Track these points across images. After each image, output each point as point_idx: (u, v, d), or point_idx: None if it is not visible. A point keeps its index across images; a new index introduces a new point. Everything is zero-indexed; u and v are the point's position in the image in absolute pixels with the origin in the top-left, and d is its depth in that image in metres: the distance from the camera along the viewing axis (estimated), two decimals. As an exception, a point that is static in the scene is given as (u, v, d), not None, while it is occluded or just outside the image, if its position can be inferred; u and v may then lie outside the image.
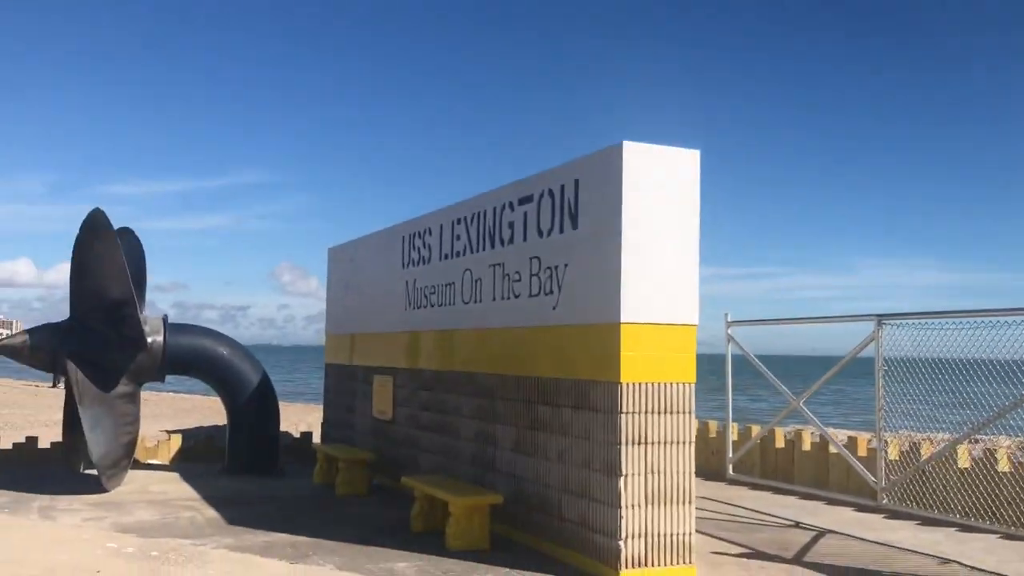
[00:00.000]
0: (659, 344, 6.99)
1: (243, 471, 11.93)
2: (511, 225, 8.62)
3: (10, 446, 12.70)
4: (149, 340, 11.25)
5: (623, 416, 6.84)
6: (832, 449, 10.50)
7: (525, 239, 8.34)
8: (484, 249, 9.16)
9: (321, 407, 23.46)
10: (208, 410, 24.30)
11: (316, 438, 14.62)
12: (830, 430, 11.64)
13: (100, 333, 11.03)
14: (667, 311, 7.03)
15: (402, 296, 11.23)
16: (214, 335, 12.14)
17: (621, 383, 6.84)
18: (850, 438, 10.98)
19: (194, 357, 11.82)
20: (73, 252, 10.78)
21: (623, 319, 6.85)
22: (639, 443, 6.90)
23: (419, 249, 10.84)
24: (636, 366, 6.90)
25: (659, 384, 7.00)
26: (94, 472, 10.74)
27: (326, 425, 14.27)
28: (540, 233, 8.08)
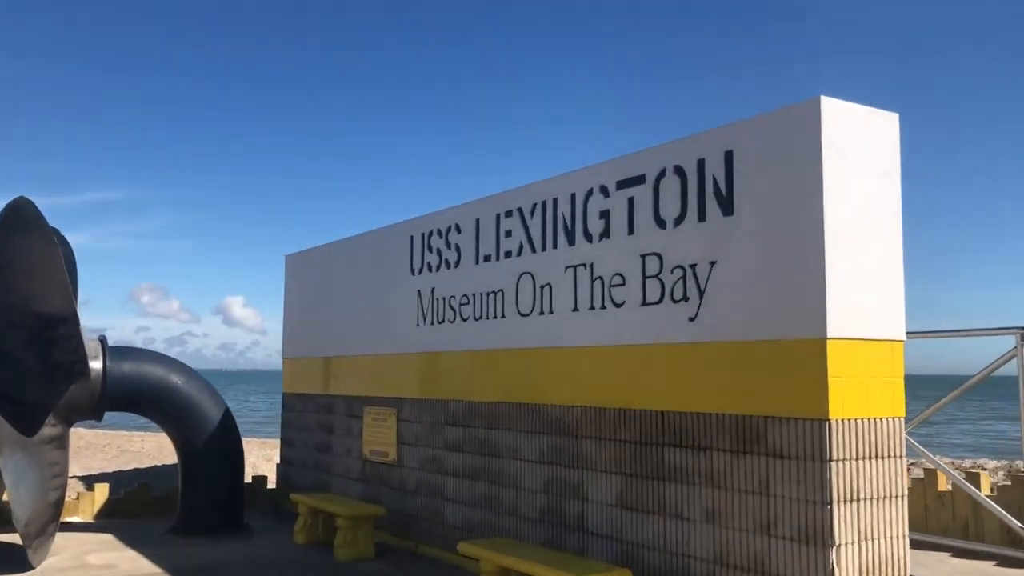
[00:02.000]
0: (866, 366, 5.25)
1: (201, 531, 9.49)
2: (605, 215, 6.73)
3: None
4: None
5: (833, 465, 5.05)
6: (946, 485, 8.81)
7: (632, 232, 6.47)
8: (555, 247, 7.23)
9: (258, 443, 20.83)
10: (131, 448, 21.04)
11: (271, 482, 12.26)
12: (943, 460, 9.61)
13: (19, 359, 8.46)
14: (874, 322, 5.30)
15: (412, 309, 9.14)
16: (165, 361, 9.68)
17: (830, 419, 5.05)
18: (970, 472, 9.34)
19: (141, 389, 9.33)
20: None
21: (830, 333, 5.07)
22: (851, 500, 5.11)
23: (439, 251, 8.79)
24: (845, 396, 5.12)
25: (868, 420, 5.25)
26: (12, 539, 8.17)
27: (284, 467, 11.91)
28: (660, 223, 6.23)
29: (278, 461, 12.36)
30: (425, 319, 8.92)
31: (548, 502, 7.14)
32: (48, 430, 8.60)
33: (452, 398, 8.45)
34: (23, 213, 8.02)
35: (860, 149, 5.32)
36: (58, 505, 8.62)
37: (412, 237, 9.27)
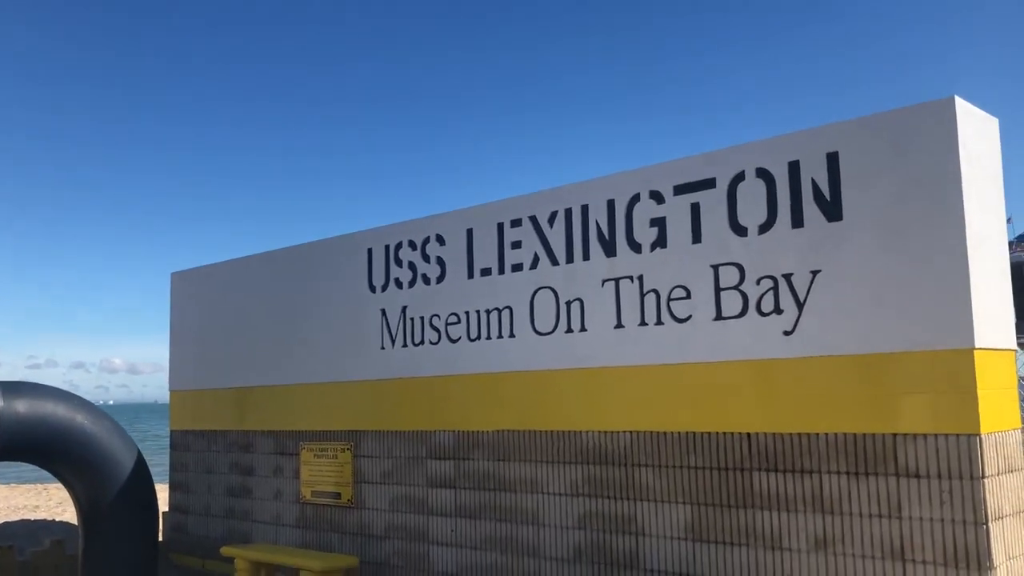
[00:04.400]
0: (998, 377, 5.05)
1: (108, 599, 7.90)
2: (658, 223, 6.21)
3: None
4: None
5: (985, 482, 4.78)
6: None
7: (698, 240, 5.99)
8: (586, 259, 6.61)
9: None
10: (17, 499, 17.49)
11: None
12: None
13: None
14: (1001, 331, 5.13)
15: (373, 330, 8.14)
16: (67, 397, 7.96)
17: (980, 434, 4.78)
18: None
19: (40, 433, 7.59)
20: None
21: (978, 343, 4.82)
22: (998, 518, 4.87)
23: (412, 264, 7.89)
24: (990, 409, 4.90)
25: (1003, 433, 5.05)
26: None
27: (175, 515, 10.32)
28: (739, 231, 5.79)
29: (164, 509, 10.70)
30: (394, 341, 7.96)
31: (586, 538, 6.45)
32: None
33: (437, 428, 7.55)
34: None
35: (980, 153, 5.17)
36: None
37: (370, 250, 8.28)
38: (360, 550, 8.03)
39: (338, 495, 8.34)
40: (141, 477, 8.26)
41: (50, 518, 13.66)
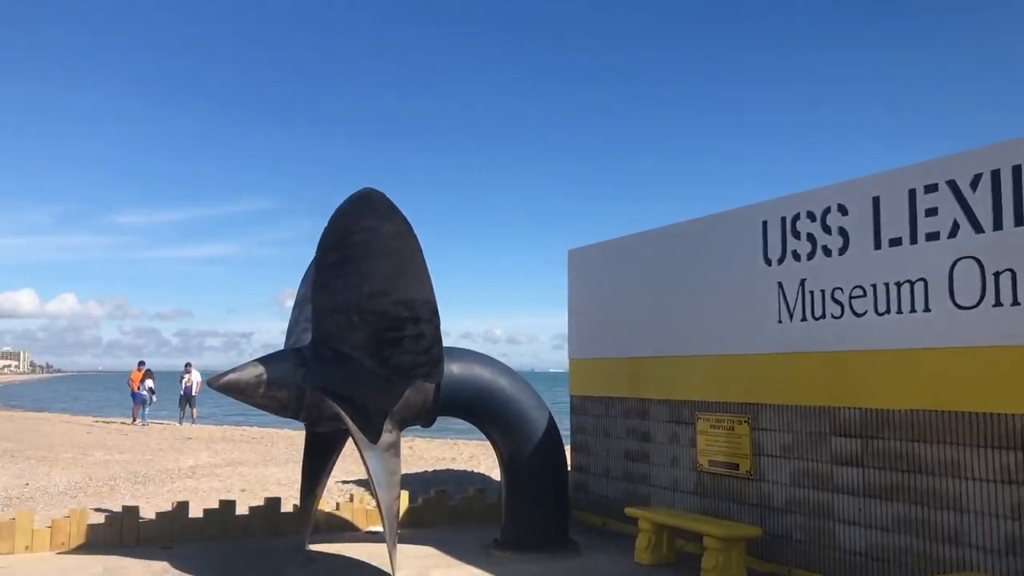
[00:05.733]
0: None
1: (528, 546, 8.76)
2: (1113, 182, 5.48)
3: (200, 513, 9.59)
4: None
5: None
6: None
7: None
8: (1019, 224, 6.02)
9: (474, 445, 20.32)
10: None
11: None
12: None
13: (357, 361, 7.94)
14: None
15: (768, 304, 8.10)
16: (491, 362, 9.00)
17: None
18: None
19: (471, 393, 8.66)
20: (326, 245, 7.71)
21: None
22: None
23: (811, 236, 7.71)
24: None
25: None
26: (324, 548, 7.62)
27: (578, 475, 11.09)
28: None
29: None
30: (792, 315, 7.86)
31: (1022, 530, 5.93)
32: (387, 436, 8.05)
33: (841, 404, 7.35)
34: (373, 202, 7.48)
35: None
36: (398, 516, 8.10)
37: (765, 222, 8.23)
38: (761, 521, 8.09)
39: (736, 466, 8.45)
40: (553, 438, 9.04)
41: (468, 469, 15.41)
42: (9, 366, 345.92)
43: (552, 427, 9.05)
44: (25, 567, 8.10)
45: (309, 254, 8.56)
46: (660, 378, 9.60)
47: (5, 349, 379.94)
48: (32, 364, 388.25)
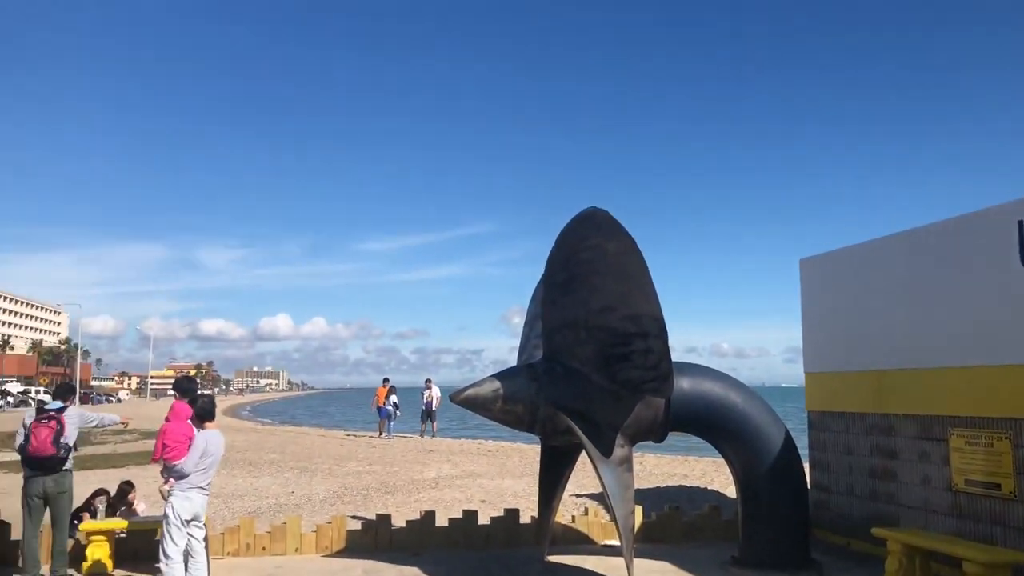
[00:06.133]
0: None
1: (768, 564, 8.54)
2: None
3: (445, 522, 10.14)
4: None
5: None
6: None
7: None
8: None
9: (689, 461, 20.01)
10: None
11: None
12: None
13: (585, 376, 8.12)
14: None
15: (1031, 310, 7.44)
16: (721, 377, 8.91)
17: None
18: None
19: (700, 408, 8.61)
20: (554, 264, 7.98)
21: None
22: None
23: (1079, 235, 7.02)
24: None
25: None
26: (562, 559, 7.76)
27: (817, 493, 10.65)
28: None
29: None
30: (1059, 320, 7.18)
31: None
32: (619, 450, 8.16)
33: (1122, 419, 6.62)
34: (598, 221, 7.64)
35: None
36: (633, 530, 8.17)
37: (1021, 222, 7.59)
38: (1027, 547, 7.43)
39: (997, 486, 7.81)
40: (790, 454, 8.77)
41: (701, 486, 15.20)
42: (271, 384, 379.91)
43: (789, 443, 8.79)
44: (296, 567, 8.94)
45: (533, 273, 8.95)
46: (907, 392, 9.05)
47: (267, 368, 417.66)
48: (289, 382, 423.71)
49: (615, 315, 7.77)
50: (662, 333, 7.60)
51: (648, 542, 10.25)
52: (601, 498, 12.48)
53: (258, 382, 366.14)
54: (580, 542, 10.25)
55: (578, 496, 13.93)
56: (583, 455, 8.42)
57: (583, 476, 14.36)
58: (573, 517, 10.64)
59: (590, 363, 8.07)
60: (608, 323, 7.83)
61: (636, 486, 14.44)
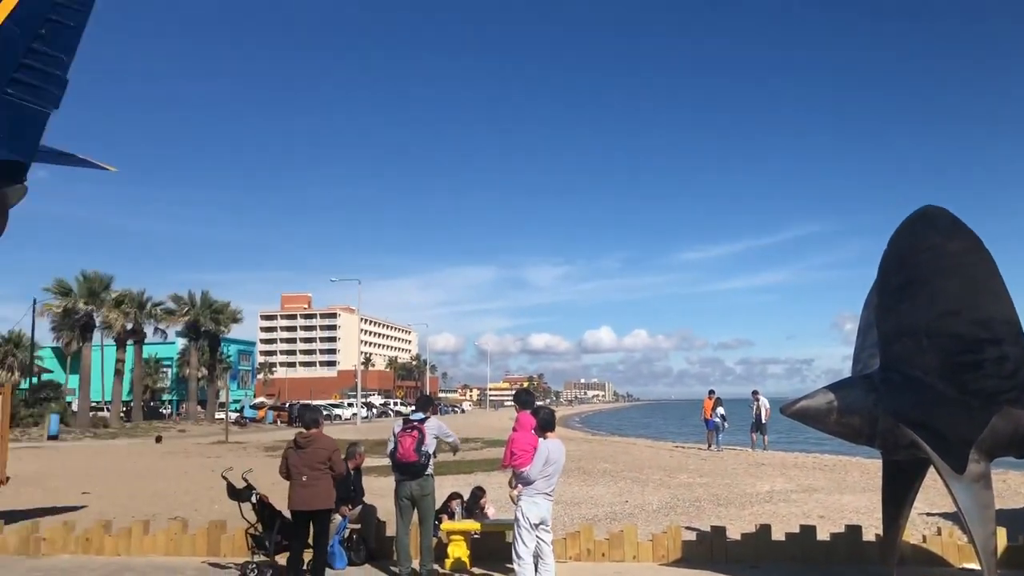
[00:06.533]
0: None
1: None
2: None
3: (782, 536, 9.95)
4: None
5: None
6: None
7: None
8: None
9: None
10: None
11: None
12: None
13: (926, 386, 7.62)
14: None
15: None
16: None
17: None
18: None
19: None
20: (888, 268, 7.60)
21: None
22: None
23: None
24: None
25: None
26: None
27: None
28: None
29: None
30: None
31: None
32: (973, 466, 7.55)
33: None
34: (934, 219, 7.18)
35: None
36: (995, 554, 7.52)
37: None
38: None
39: None
40: None
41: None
42: (597, 395, 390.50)
43: None
44: (636, 574, 9.26)
45: (864, 275, 8.60)
46: None
47: (593, 380, 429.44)
48: (615, 393, 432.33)
49: (960, 320, 7.25)
50: (1019, 338, 6.96)
51: (1014, 568, 9.31)
52: (956, 517, 11.51)
53: (585, 393, 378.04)
54: (933, 563, 9.56)
55: (929, 515, 12.96)
56: (931, 470, 7.90)
57: (934, 493, 13.31)
58: (924, 536, 9.96)
59: (934, 372, 7.59)
60: (953, 329, 7.32)
61: (997, 506, 13.14)
